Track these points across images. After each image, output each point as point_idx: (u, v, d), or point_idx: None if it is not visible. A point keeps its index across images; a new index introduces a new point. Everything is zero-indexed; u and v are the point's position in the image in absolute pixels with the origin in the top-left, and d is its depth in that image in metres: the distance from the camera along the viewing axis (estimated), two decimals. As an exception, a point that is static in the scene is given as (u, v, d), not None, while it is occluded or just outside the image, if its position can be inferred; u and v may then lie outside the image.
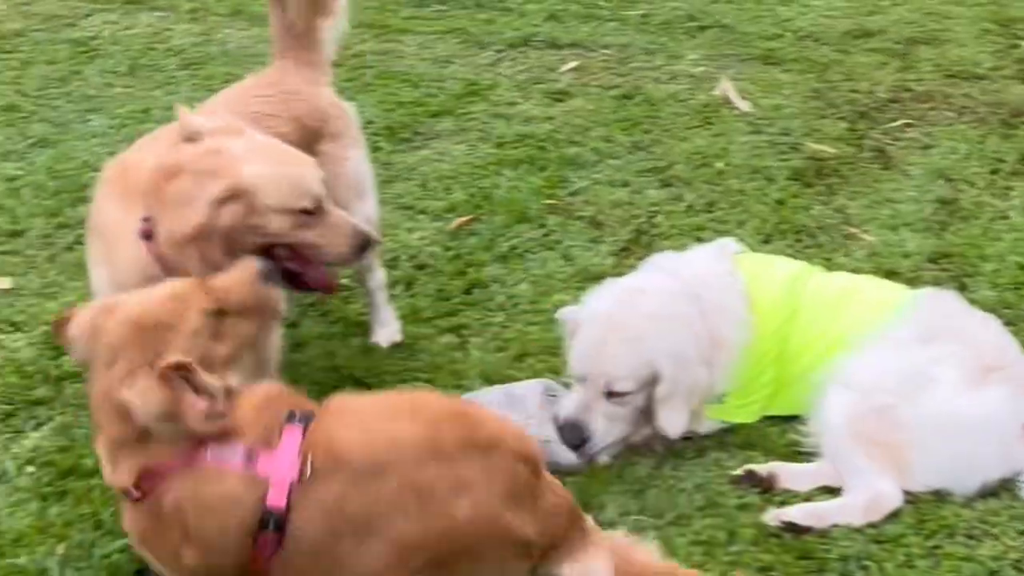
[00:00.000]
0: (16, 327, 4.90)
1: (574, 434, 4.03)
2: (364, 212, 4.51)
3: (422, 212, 5.80)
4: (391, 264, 5.30)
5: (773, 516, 3.78)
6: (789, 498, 3.90)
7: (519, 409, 3.95)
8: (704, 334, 4.13)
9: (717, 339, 4.16)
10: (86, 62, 7.81)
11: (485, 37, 8.19)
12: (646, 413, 4.11)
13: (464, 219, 5.68)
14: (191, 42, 8.17)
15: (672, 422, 4.07)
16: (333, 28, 4.72)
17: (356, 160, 4.52)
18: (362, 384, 4.48)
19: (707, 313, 4.16)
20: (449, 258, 5.36)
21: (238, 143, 3.74)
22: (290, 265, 3.75)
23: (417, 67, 7.71)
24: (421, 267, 5.33)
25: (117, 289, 3.77)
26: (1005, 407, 3.95)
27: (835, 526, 3.77)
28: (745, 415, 4.24)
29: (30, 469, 4.09)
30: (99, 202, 3.90)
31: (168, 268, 3.60)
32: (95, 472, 3.97)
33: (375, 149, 6.43)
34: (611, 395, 4.07)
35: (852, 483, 3.90)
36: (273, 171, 3.65)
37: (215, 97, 4.47)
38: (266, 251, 3.68)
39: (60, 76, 7.56)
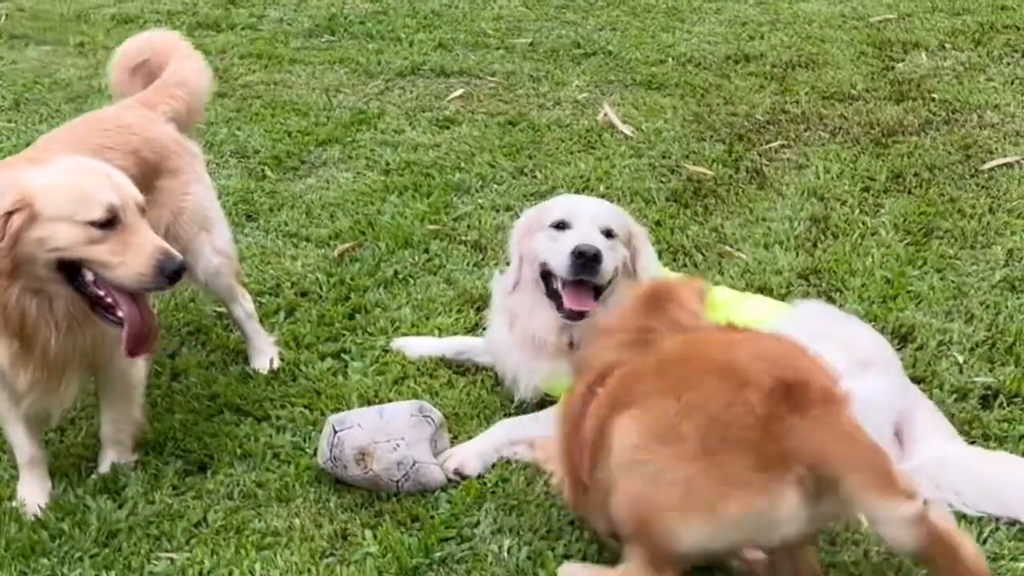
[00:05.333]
0: None
1: (589, 252, 4.23)
2: (213, 244, 4.60)
3: (306, 240, 5.83)
4: (273, 292, 5.33)
5: None
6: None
7: (391, 428, 4.00)
8: None
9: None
10: (-29, 96, 7.77)
11: (374, 67, 8.28)
12: None
13: (347, 245, 5.73)
14: (77, 75, 8.16)
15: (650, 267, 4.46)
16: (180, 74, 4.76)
17: (199, 195, 4.55)
18: (240, 411, 4.50)
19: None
20: (332, 284, 5.39)
21: (38, 165, 3.76)
22: (99, 292, 3.70)
23: (306, 96, 7.77)
24: (304, 294, 5.35)
25: None
26: (882, 397, 4.04)
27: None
28: None
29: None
30: None
31: None
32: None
33: (261, 178, 6.50)
34: (607, 234, 4.35)
35: None
36: (60, 180, 3.65)
37: (57, 129, 4.53)
38: (70, 271, 3.66)
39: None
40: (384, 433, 3.97)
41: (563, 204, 4.53)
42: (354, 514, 3.92)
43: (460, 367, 4.75)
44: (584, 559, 3.73)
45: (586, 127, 7.14)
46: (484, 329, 4.78)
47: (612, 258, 4.34)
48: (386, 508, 3.92)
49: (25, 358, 3.74)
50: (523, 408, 4.46)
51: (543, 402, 4.43)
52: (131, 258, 3.63)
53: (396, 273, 5.50)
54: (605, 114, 7.26)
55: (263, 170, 6.61)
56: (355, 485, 4.01)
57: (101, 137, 4.17)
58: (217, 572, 3.67)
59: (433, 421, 4.14)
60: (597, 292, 4.34)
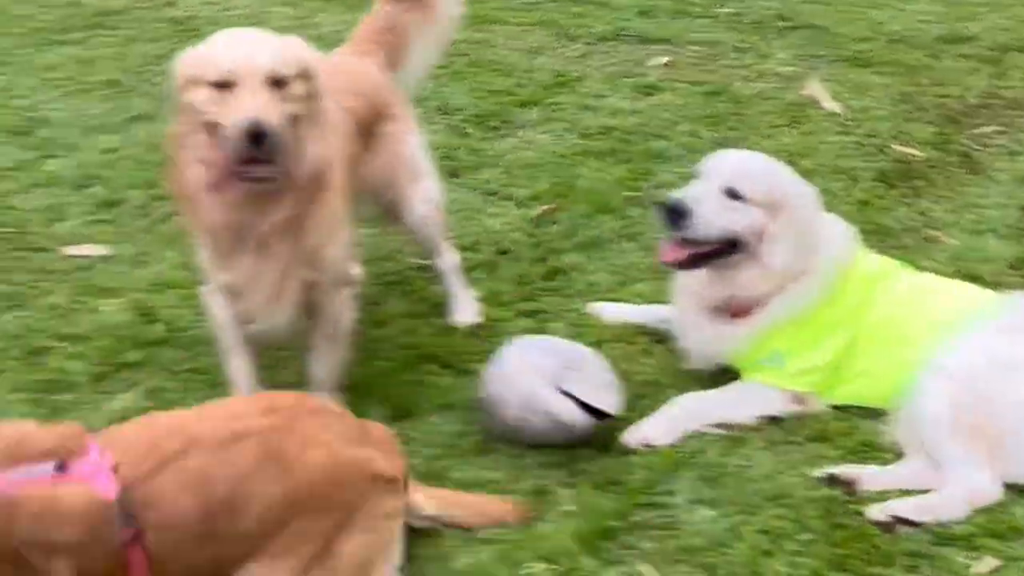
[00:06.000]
0: (110, 293, 5.05)
1: (677, 206, 4.19)
2: (423, 194, 4.66)
3: (506, 199, 5.88)
4: (473, 248, 5.38)
5: (881, 510, 3.76)
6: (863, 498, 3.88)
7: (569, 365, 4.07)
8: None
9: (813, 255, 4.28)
10: (185, 40, 7.92)
11: (575, 30, 8.27)
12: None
13: (547, 207, 5.75)
14: (287, 25, 8.30)
15: (778, 255, 4.22)
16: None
17: (413, 145, 4.64)
18: (442, 363, 4.58)
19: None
20: (531, 245, 5.43)
21: None
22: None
23: (508, 57, 7.81)
24: (503, 252, 5.40)
25: None
26: None
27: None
28: (802, 383, 4.25)
29: (119, 429, 4.20)
30: None
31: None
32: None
33: (464, 135, 6.57)
34: (731, 194, 4.22)
35: (950, 475, 3.86)
36: (204, 46, 3.73)
37: None
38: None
39: (159, 53, 7.72)
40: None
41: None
42: (551, 472, 3.96)
43: (660, 336, 4.73)
44: (780, 537, 3.71)
45: (790, 101, 7.02)
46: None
47: (720, 216, 4.21)
48: (582, 469, 3.96)
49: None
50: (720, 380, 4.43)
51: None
52: (229, 116, 3.58)
53: (594, 238, 5.50)
54: (811, 89, 7.13)
55: (466, 128, 6.68)
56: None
57: (331, 79, 4.07)
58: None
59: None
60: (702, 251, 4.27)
